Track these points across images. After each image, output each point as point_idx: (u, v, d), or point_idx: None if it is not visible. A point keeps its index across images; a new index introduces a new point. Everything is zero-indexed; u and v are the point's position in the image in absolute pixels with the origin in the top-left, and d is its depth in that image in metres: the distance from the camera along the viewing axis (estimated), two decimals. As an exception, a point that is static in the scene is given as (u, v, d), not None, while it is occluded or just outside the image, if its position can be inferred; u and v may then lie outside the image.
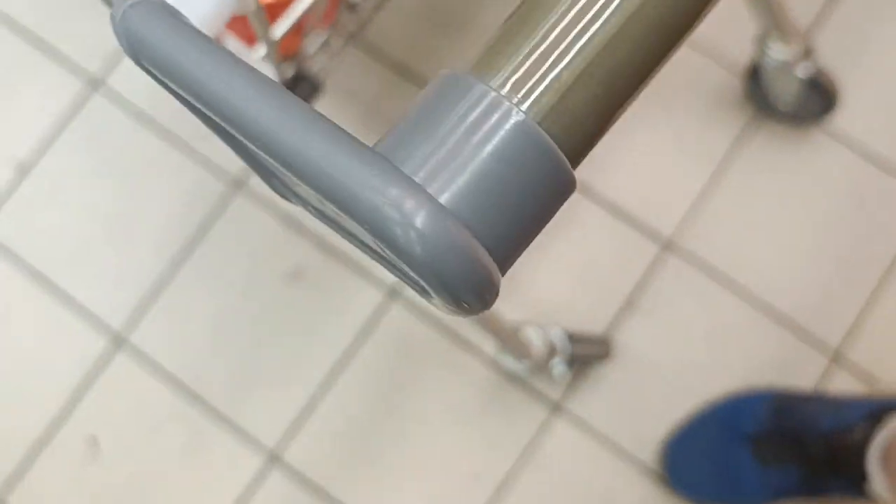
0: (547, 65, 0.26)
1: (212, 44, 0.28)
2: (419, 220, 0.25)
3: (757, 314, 1.09)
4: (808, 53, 1.06)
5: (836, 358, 1.08)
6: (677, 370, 1.09)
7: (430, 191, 0.25)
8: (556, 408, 1.08)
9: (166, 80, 0.29)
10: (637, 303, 1.10)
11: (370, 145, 0.26)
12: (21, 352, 1.11)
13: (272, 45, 0.60)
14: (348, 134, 0.26)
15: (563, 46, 0.27)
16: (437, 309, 0.26)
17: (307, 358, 1.10)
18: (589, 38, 0.27)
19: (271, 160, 0.26)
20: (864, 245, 1.11)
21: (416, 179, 0.25)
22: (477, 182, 0.25)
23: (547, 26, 0.27)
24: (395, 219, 0.25)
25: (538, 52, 0.27)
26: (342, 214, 0.26)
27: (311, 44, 0.75)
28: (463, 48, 1.15)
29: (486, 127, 0.26)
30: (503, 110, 0.26)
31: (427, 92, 0.27)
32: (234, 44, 0.69)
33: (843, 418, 0.97)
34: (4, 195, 1.14)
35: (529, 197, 0.26)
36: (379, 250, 0.25)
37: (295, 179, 0.26)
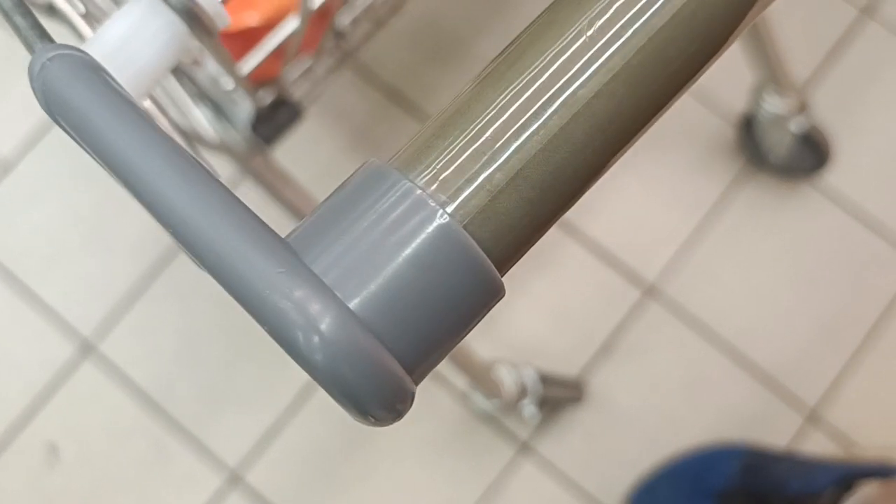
0: (479, 163, 0.25)
1: (132, 109, 0.27)
2: (324, 326, 0.23)
3: (734, 367, 1.08)
4: (802, 108, 1.05)
5: (812, 417, 1.07)
6: (650, 419, 1.07)
7: (339, 294, 0.24)
8: (523, 448, 1.06)
9: (81, 144, 0.28)
10: (614, 348, 1.08)
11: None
12: (-13, 352, 1.09)
13: (239, 79, 0.59)
14: (260, 221, 0.24)
15: (498, 144, 0.25)
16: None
17: (276, 380, 1.08)
18: (528, 137, 0.25)
19: (175, 239, 0.25)
20: (847, 305, 1.10)
21: (326, 281, 0.24)
22: (392, 288, 0.24)
23: (483, 121, 0.25)
24: (298, 322, 0.23)
25: (471, 148, 0.25)
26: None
27: (294, 69, 0.73)
28: (455, 77, 1.13)
29: (406, 228, 0.24)
30: (427, 211, 0.24)
31: (350, 181, 0.26)
32: (212, 66, 0.67)
33: (812, 482, 0.95)
34: (-18, 193, 1.12)
35: (450, 305, 0.24)
36: None
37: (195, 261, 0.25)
